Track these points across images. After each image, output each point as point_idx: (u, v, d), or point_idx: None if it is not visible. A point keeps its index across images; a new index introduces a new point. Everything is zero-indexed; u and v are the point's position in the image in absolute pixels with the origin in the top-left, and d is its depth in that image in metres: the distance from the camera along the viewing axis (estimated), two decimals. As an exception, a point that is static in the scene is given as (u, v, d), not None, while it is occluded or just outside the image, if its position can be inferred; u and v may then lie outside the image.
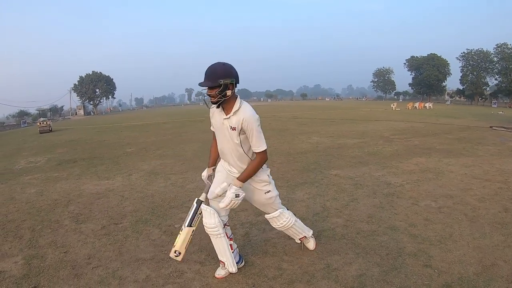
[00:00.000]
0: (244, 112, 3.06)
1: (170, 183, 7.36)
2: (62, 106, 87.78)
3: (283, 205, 3.70)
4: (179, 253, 3.37)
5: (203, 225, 3.41)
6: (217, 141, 3.37)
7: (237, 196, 3.14)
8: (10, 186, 7.87)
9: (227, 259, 3.46)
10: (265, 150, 3.15)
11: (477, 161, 9.06)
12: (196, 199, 3.46)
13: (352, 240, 4.32)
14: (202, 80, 3.00)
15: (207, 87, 3.00)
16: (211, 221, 3.35)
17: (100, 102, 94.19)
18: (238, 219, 5.14)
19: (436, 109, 45.10)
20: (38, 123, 28.72)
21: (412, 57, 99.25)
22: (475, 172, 7.78)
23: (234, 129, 3.09)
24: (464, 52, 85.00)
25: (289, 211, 3.69)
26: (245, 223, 4.98)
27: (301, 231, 3.82)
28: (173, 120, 32.59)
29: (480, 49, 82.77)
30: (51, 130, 26.71)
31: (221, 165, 3.48)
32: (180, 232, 3.41)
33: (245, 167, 3.24)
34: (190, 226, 3.40)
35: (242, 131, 3.10)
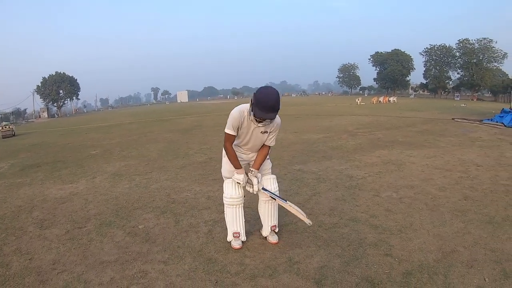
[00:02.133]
0: (276, 120, 3.75)
1: (134, 184, 7.32)
2: (25, 109, 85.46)
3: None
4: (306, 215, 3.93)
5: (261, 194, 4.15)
6: (243, 140, 3.94)
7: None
8: (-28, 194, 7.56)
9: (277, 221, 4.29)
10: None
11: (439, 152, 9.36)
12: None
13: (313, 233, 4.41)
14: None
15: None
16: (273, 186, 4.17)
17: (64, 103, 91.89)
18: (201, 217, 5.17)
19: (400, 103, 46.11)
20: (0, 128, 27.91)
21: (377, 52, 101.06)
22: (436, 163, 8.04)
23: (266, 132, 3.80)
24: (427, 48, 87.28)
25: None
26: (208, 221, 5.00)
27: (277, 214, 4.31)
28: (138, 120, 32.27)
29: (442, 45, 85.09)
30: (14, 134, 25.87)
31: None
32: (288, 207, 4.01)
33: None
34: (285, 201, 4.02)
35: (270, 133, 3.86)
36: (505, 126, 15.70)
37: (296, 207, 3.95)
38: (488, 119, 18.00)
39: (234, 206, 4.04)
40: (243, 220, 4.13)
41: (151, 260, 3.90)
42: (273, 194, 4.04)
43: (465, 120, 18.61)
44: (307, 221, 3.80)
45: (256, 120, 3.60)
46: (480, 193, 5.82)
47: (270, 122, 3.70)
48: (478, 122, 17.54)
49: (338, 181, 6.74)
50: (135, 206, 5.88)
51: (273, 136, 3.93)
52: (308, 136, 13.48)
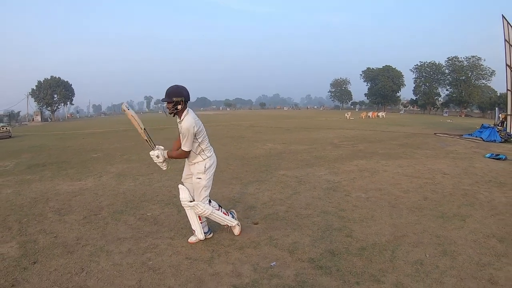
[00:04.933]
0: (184, 122, 4.25)
1: (139, 183, 8.16)
2: (19, 112, 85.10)
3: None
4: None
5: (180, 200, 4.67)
6: None
7: (157, 156, 4.50)
8: (-16, 188, 8.17)
9: (196, 228, 4.62)
10: (186, 151, 4.32)
11: (412, 162, 10.36)
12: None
13: (291, 220, 5.40)
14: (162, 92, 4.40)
15: (166, 102, 4.28)
16: (183, 195, 4.56)
17: (58, 108, 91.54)
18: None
19: (389, 118, 47.36)
20: None
21: (368, 68, 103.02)
22: (407, 171, 9.01)
23: (181, 127, 4.28)
24: (417, 65, 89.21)
25: (209, 205, 4.63)
26: (206, 210, 5.94)
27: (221, 220, 4.77)
28: (133, 128, 32.18)
29: (432, 62, 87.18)
30: (10, 136, 26.06)
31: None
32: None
33: (192, 157, 4.47)
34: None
35: (182, 134, 4.29)
36: (483, 140, 16.78)
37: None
38: (469, 134, 19.01)
39: (185, 208, 4.63)
40: (197, 220, 4.61)
41: (160, 236, 4.86)
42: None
43: (446, 135, 19.63)
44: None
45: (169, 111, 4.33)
46: (439, 195, 6.80)
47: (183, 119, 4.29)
48: (458, 137, 18.53)
49: (316, 184, 7.70)
50: (142, 199, 6.78)
51: (184, 140, 4.26)
52: (295, 147, 14.43)
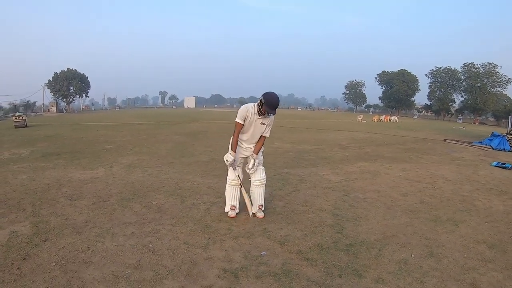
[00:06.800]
0: (271, 116, 5.23)
1: (147, 174, 8.49)
2: (35, 102, 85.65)
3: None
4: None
5: (253, 180, 5.61)
6: (247, 130, 5.27)
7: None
8: (0, 173, 8.55)
9: (263, 202, 5.63)
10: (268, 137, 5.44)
11: (416, 167, 10.49)
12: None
13: (286, 215, 5.68)
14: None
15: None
16: (263, 175, 5.60)
17: (73, 100, 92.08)
18: (202, 199, 6.43)
19: (401, 122, 47.06)
20: (13, 118, 28.45)
21: (383, 71, 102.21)
22: (409, 175, 9.16)
23: (264, 124, 5.20)
24: (432, 70, 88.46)
25: None
26: (207, 202, 6.28)
27: (264, 197, 5.69)
28: (147, 122, 33.12)
29: (448, 67, 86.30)
30: (26, 126, 26.27)
31: (237, 151, 5.42)
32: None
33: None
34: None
35: (267, 125, 5.25)
36: (492, 148, 16.68)
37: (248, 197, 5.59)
38: (479, 142, 18.86)
39: (233, 186, 5.47)
40: (239, 197, 5.56)
41: (162, 223, 5.18)
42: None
43: (455, 142, 19.56)
44: (250, 212, 5.52)
45: (261, 113, 5.07)
46: (437, 199, 6.94)
47: (269, 116, 5.17)
48: (467, 144, 18.44)
49: (317, 183, 7.94)
50: (149, 189, 7.10)
51: (269, 129, 5.35)
52: (303, 146, 14.65)
